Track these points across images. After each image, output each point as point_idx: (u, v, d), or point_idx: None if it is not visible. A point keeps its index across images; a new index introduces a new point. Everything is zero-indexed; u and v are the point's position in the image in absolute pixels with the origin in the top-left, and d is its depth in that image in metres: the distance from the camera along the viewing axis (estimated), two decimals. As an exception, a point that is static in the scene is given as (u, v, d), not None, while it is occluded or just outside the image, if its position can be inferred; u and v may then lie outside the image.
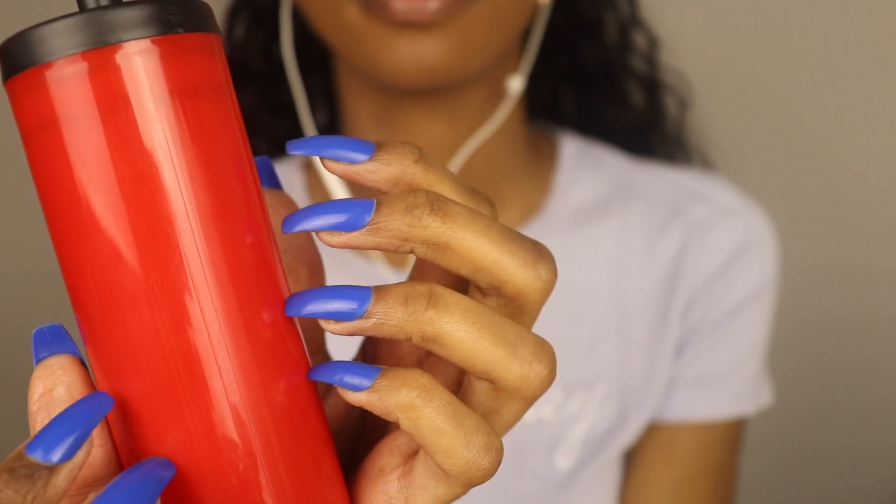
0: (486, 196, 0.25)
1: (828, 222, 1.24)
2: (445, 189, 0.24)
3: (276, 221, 0.25)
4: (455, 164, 0.53)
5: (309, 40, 0.62)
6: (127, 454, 0.23)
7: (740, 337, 0.58)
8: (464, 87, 0.51)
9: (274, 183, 0.26)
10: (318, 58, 0.63)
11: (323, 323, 0.22)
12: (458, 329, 0.22)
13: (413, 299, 0.22)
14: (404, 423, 0.22)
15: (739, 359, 0.58)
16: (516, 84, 0.54)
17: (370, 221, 0.22)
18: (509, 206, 0.57)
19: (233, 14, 0.64)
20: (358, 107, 0.54)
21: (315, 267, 0.27)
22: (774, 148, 1.20)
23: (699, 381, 0.57)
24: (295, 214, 0.23)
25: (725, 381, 0.57)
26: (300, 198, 0.60)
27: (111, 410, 0.22)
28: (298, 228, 0.22)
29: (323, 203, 0.23)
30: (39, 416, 0.22)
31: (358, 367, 0.22)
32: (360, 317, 0.22)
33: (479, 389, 0.24)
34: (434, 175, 0.24)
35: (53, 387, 0.22)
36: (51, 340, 0.23)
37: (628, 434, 0.56)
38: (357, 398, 0.22)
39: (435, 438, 0.22)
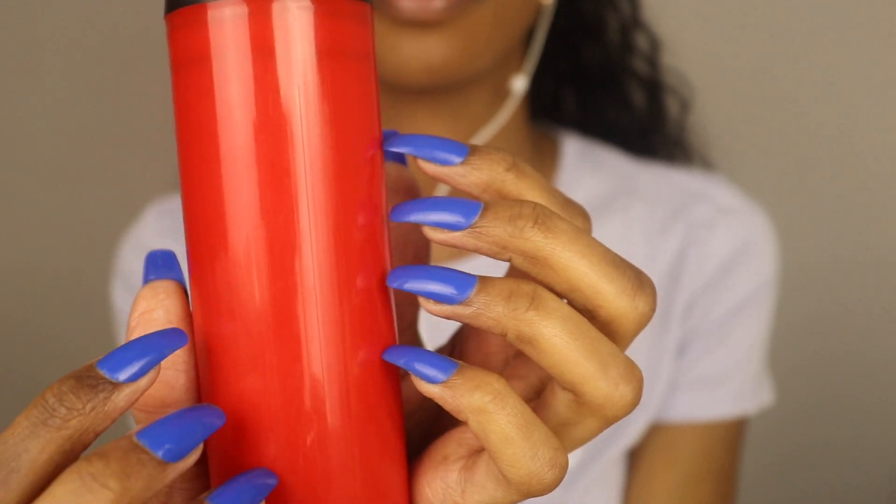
0: (581, 208, 0.25)
1: (828, 222, 1.25)
2: (537, 198, 0.24)
3: (395, 198, 0.26)
4: (457, 164, 0.53)
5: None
6: (205, 389, 0.23)
7: (741, 337, 0.58)
8: (467, 86, 0.52)
9: (400, 158, 0.26)
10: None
11: (422, 301, 0.22)
12: (555, 335, 0.22)
13: (516, 296, 0.22)
14: (473, 425, 0.22)
15: (741, 359, 0.58)
16: (520, 84, 0.54)
17: (473, 224, 0.22)
18: (511, 205, 0.58)
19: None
20: (361, 106, 0.54)
21: (422, 245, 0.27)
22: (775, 149, 1.21)
23: (701, 381, 0.57)
24: (406, 205, 0.23)
25: (727, 382, 0.57)
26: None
27: (200, 343, 0.23)
28: (407, 219, 0.23)
29: (433, 198, 0.23)
30: (135, 333, 0.23)
31: (436, 358, 0.22)
32: (461, 303, 0.22)
33: (561, 399, 0.23)
34: (526, 183, 0.24)
35: (154, 308, 0.23)
36: (161, 265, 0.24)
37: (631, 433, 0.56)
38: (430, 390, 0.22)
39: (501, 445, 0.22)
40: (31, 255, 1.29)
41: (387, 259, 0.24)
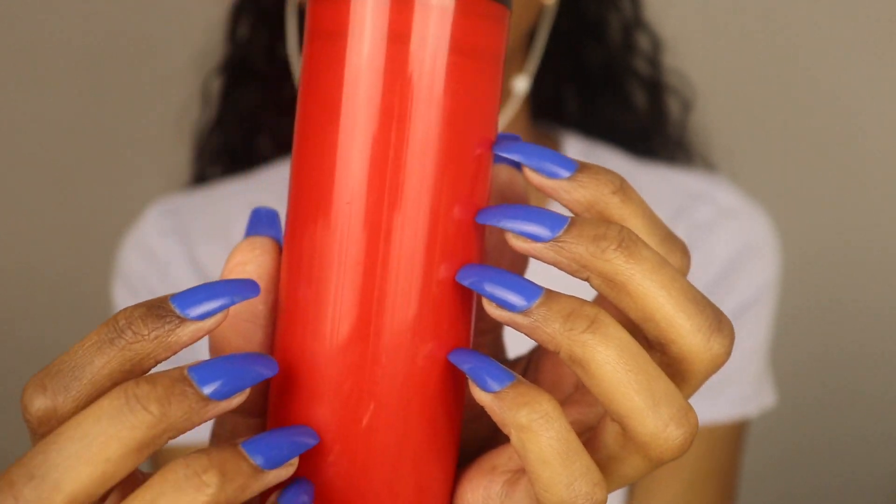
0: (682, 244, 0.24)
1: (828, 222, 1.25)
2: (638, 226, 0.23)
3: (501, 201, 0.26)
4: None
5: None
6: (274, 347, 0.24)
7: (744, 338, 0.58)
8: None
9: (516, 164, 0.26)
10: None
11: (485, 302, 0.23)
12: (608, 362, 0.21)
13: (576, 317, 0.21)
14: (515, 441, 0.22)
15: (743, 361, 0.58)
16: (522, 84, 0.54)
17: (557, 238, 0.22)
18: (513, 206, 0.58)
19: (237, 13, 0.64)
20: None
21: (521, 255, 0.27)
22: (776, 149, 1.21)
23: (704, 385, 0.57)
24: (494, 209, 0.23)
25: (730, 385, 0.57)
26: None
27: (280, 303, 0.24)
28: (492, 222, 0.23)
29: (521, 206, 0.23)
30: (229, 271, 0.25)
31: (495, 367, 0.22)
32: (521, 313, 0.22)
33: (610, 431, 0.23)
34: (630, 209, 0.23)
35: (248, 262, 0.24)
36: (265, 223, 0.25)
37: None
38: (480, 397, 0.22)
39: (538, 467, 0.21)
40: (31, 255, 1.29)
41: (475, 258, 0.24)
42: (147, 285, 0.59)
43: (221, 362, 0.21)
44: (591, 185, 0.23)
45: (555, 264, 0.22)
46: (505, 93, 0.55)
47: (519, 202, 0.26)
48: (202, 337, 0.22)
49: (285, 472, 0.21)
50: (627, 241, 0.22)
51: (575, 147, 0.60)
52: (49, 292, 1.30)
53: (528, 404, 0.21)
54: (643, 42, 0.65)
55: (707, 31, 1.15)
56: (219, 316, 0.22)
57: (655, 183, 0.60)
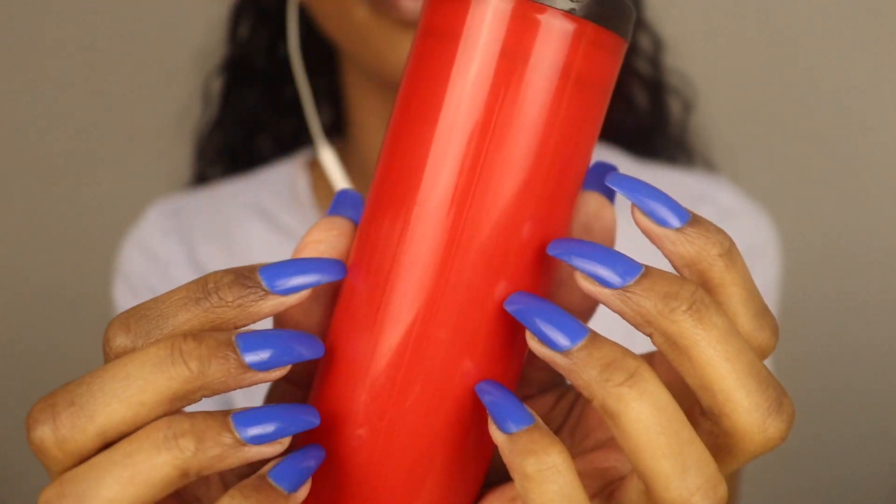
0: (774, 322, 0.23)
1: (829, 222, 1.25)
2: (734, 294, 0.22)
3: (584, 232, 0.25)
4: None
5: (314, 39, 0.62)
6: (330, 323, 0.25)
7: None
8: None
9: (609, 194, 0.25)
10: (322, 57, 0.63)
11: (527, 333, 0.22)
12: (640, 420, 0.20)
13: (615, 367, 0.21)
14: (518, 486, 0.21)
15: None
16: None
17: (626, 287, 0.21)
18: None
19: (238, 13, 0.64)
20: (364, 106, 0.54)
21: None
22: (776, 149, 1.21)
23: None
24: (568, 243, 0.22)
25: None
26: (304, 195, 0.60)
27: (342, 284, 0.24)
28: (562, 258, 0.22)
29: (595, 246, 0.22)
30: (299, 255, 0.25)
31: (514, 407, 0.22)
32: (561, 352, 0.21)
33: (635, 487, 0.22)
34: (731, 277, 0.22)
35: (323, 241, 0.25)
36: (348, 205, 0.26)
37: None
38: (494, 435, 0.22)
39: None
40: (32, 255, 1.29)
41: (537, 286, 0.23)
42: (148, 285, 0.59)
43: (270, 336, 0.22)
44: (700, 242, 0.22)
45: (619, 314, 0.21)
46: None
47: (605, 235, 0.25)
48: (283, 311, 0.23)
49: (271, 450, 0.22)
50: (700, 304, 0.21)
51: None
52: (49, 292, 1.30)
53: (536, 453, 0.21)
54: (644, 42, 0.65)
55: (707, 31, 1.15)
56: (302, 293, 0.23)
57: (657, 183, 0.60)
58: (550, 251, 0.22)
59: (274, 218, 0.59)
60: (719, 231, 0.22)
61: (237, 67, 0.65)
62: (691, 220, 0.22)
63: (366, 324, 0.23)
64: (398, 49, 0.46)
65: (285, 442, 0.22)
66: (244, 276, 0.22)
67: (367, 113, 0.54)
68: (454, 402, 0.23)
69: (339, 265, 0.23)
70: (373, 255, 0.23)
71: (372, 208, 0.23)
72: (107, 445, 0.21)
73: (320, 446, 0.23)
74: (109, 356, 0.22)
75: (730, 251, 0.22)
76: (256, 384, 0.22)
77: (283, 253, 0.57)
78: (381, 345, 0.23)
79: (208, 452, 0.21)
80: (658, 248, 0.23)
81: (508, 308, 0.22)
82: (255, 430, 0.21)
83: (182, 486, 0.22)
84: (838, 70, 1.18)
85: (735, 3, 1.15)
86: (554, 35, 0.22)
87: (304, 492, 0.22)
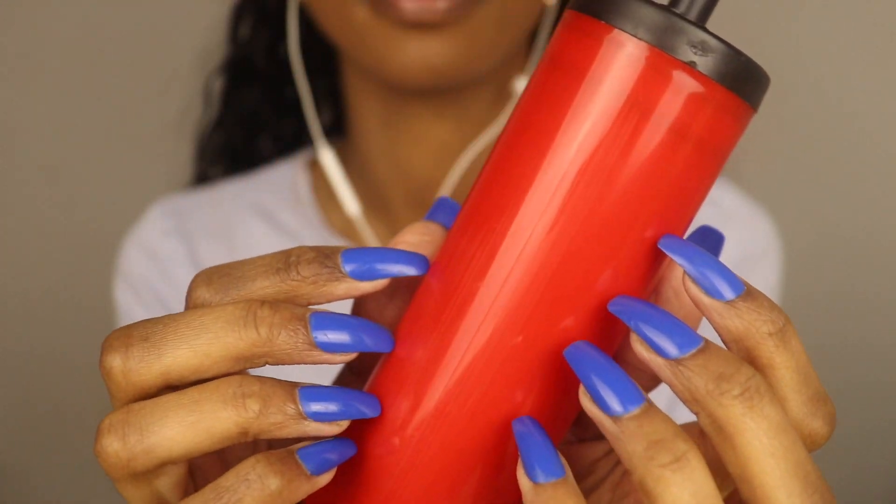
0: (829, 410, 0.22)
1: (830, 223, 1.25)
2: (786, 378, 0.21)
3: (655, 296, 0.24)
4: (461, 165, 0.53)
5: (314, 40, 0.62)
6: (398, 326, 0.25)
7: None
8: (470, 87, 0.52)
9: (712, 248, 0.24)
10: (323, 57, 0.63)
11: (581, 389, 0.21)
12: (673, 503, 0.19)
13: (662, 448, 0.20)
14: None
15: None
16: (522, 85, 0.54)
17: (678, 360, 0.20)
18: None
19: (238, 13, 0.64)
20: (364, 107, 0.54)
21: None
22: (778, 151, 1.20)
23: None
24: (628, 304, 0.21)
25: None
26: (305, 195, 0.60)
27: (419, 287, 0.24)
28: (621, 317, 0.21)
29: (661, 312, 0.21)
30: (395, 247, 0.25)
31: (547, 456, 0.21)
32: (609, 416, 0.20)
33: None
34: (782, 358, 0.21)
35: (414, 243, 0.25)
36: (447, 212, 0.26)
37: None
38: (521, 481, 0.21)
39: None
40: (32, 255, 1.29)
41: (606, 335, 0.23)
42: (149, 285, 0.59)
43: (342, 319, 0.22)
44: (750, 317, 0.21)
45: (670, 386, 0.21)
46: (505, 94, 0.55)
47: (692, 312, 0.24)
48: (357, 296, 0.23)
49: (329, 428, 0.22)
50: (754, 390, 0.20)
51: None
52: (50, 292, 1.30)
53: None
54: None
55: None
56: (377, 282, 0.23)
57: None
58: (611, 307, 0.22)
59: (275, 218, 0.59)
60: (773, 308, 0.21)
61: (238, 68, 0.65)
62: (744, 292, 0.21)
63: (427, 334, 0.23)
64: (398, 50, 0.46)
65: (343, 425, 0.22)
66: (325, 256, 0.23)
67: (368, 113, 0.54)
68: (492, 436, 0.23)
69: (421, 260, 0.23)
70: (453, 266, 0.23)
71: (464, 220, 0.23)
72: (168, 388, 0.22)
73: (353, 442, 0.23)
74: (188, 305, 0.23)
75: (783, 330, 0.21)
76: (320, 364, 0.22)
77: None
78: (435, 357, 0.23)
79: (270, 418, 0.21)
80: (706, 317, 0.22)
81: (566, 355, 0.22)
82: (317, 407, 0.22)
83: (238, 442, 0.22)
84: (839, 70, 1.18)
85: (735, 3, 1.15)
86: (683, 94, 0.21)
87: (325, 478, 0.22)
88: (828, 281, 1.24)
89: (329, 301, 0.23)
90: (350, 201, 0.56)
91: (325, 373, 0.56)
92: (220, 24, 0.69)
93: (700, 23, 0.22)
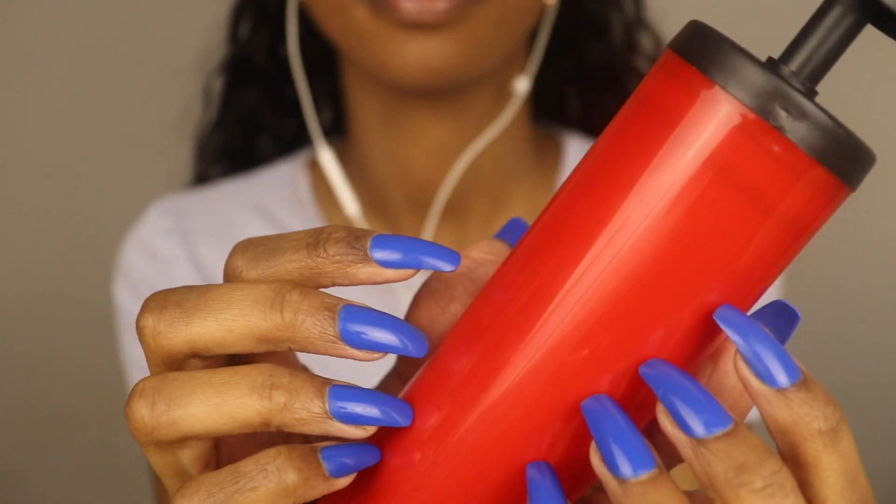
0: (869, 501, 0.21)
1: (829, 221, 1.25)
2: (830, 481, 0.19)
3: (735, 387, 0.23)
4: (461, 165, 0.53)
5: (314, 40, 0.62)
6: (445, 336, 0.24)
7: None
8: (470, 87, 0.52)
9: (782, 327, 0.23)
10: (322, 57, 0.63)
11: (592, 447, 0.20)
12: None
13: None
14: None
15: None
16: (522, 85, 0.54)
17: (703, 439, 0.19)
18: (514, 206, 0.58)
19: (238, 13, 0.64)
20: (364, 107, 0.54)
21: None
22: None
23: None
24: (662, 371, 0.20)
25: None
26: (305, 195, 0.60)
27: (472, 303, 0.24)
28: (651, 385, 0.20)
29: (693, 385, 0.20)
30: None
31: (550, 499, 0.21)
32: (616, 477, 0.19)
33: None
34: (828, 460, 0.19)
35: (481, 259, 0.25)
36: (517, 232, 0.25)
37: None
38: None
39: None
40: (32, 255, 1.29)
41: (634, 397, 0.22)
42: (149, 284, 0.59)
43: (375, 316, 0.22)
44: (801, 410, 0.19)
45: (689, 466, 0.20)
46: (505, 94, 0.55)
47: (743, 400, 0.23)
48: (380, 282, 0.22)
49: (354, 431, 0.21)
50: (776, 487, 0.18)
51: (577, 148, 0.60)
52: (50, 292, 1.30)
53: None
54: (645, 42, 0.65)
55: (709, 31, 1.15)
56: (402, 272, 0.22)
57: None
58: (642, 370, 0.20)
59: (275, 217, 0.59)
60: (829, 402, 0.19)
61: (238, 67, 0.65)
62: (800, 381, 0.19)
63: (468, 351, 0.22)
64: (397, 50, 0.46)
65: (370, 430, 0.22)
66: (355, 237, 0.22)
67: (367, 113, 0.54)
68: (507, 472, 0.22)
69: (454, 256, 0.22)
70: (504, 291, 0.22)
71: (529, 244, 0.22)
72: (197, 357, 0.22)
73: (378, 450, 0.23)
74: (225, 273, 0.23)
75: (835, 429, 0.19)
76: (345, 358, 0.22)
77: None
78: (470, 376, 0.22)
79: (294, 414, 0.21)
80: (754, 402, 0.20)
81: (584, 410, 0.21)
82: (346, 408, 0.21)
83: (263, 430, 0.22)
84: (839, 70, 1.18)
85: (735, 3, 1.15)
86: (778, 168, 0.19)
87: (343, 482, 0.22)
88: (828, 281, 1.24)
89: (352, 284, 0.22)
90: (350, 201, 0.56)
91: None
92: (220, 24, 0.69)
93: (807, 86, 0.21)
